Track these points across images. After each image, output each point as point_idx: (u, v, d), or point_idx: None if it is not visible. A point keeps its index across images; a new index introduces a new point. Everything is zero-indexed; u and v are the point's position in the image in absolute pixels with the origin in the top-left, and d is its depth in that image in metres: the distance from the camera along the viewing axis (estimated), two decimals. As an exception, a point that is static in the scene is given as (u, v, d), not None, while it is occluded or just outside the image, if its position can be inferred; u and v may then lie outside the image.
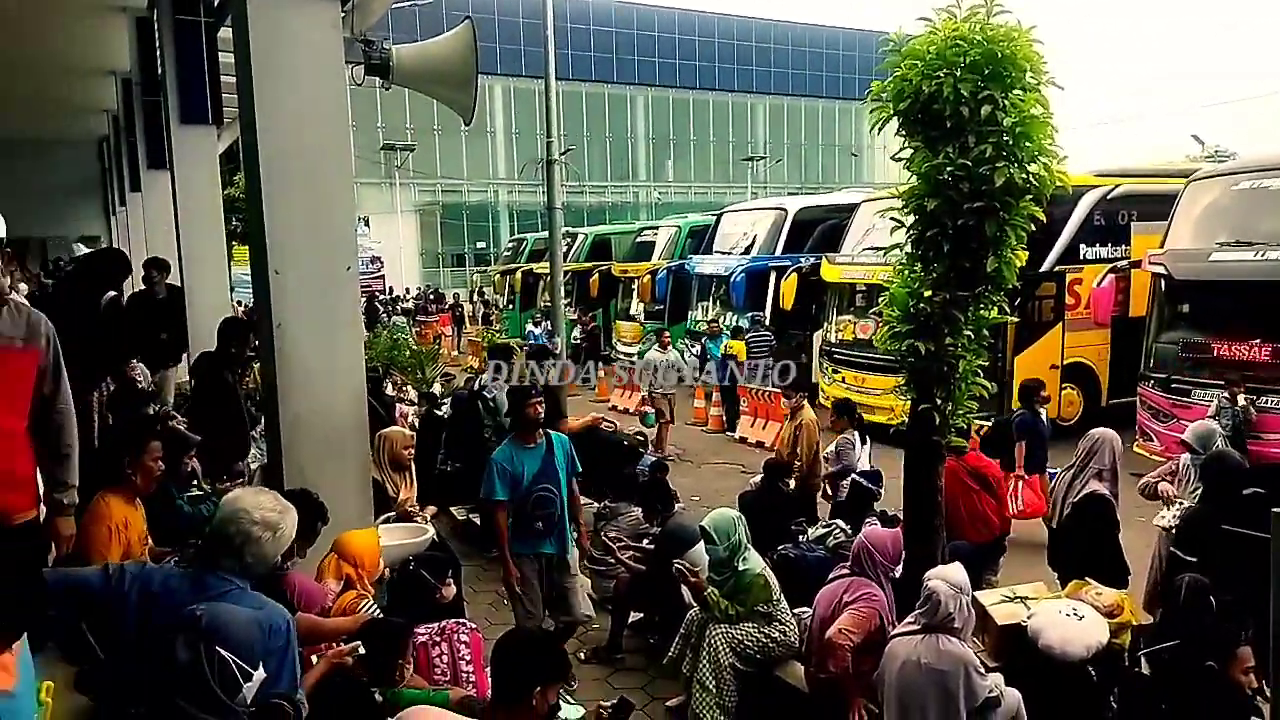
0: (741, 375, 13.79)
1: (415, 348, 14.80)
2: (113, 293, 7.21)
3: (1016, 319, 9.96)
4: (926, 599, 3.94)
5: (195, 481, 5.06)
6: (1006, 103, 4.22)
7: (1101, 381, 12.69)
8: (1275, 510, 2.49)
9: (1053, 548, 5.94)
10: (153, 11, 9.18)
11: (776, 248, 16.79)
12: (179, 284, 8.58)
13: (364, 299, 25.07)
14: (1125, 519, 5.76)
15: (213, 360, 6.26)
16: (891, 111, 4.48)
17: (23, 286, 8.77)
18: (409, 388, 12.40)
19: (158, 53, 9.17)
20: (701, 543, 5.26)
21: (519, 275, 26.42)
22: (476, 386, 8.06)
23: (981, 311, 4.62)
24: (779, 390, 12.83)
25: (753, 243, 17.38)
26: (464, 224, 51.65)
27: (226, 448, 5.98)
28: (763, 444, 12.39)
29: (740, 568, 5.02)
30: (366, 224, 38.47)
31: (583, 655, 5.81)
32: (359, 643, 3.34)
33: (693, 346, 17.50)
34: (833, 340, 14.08)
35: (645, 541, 6.29)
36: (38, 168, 17.84)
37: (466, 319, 30.30)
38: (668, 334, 13.86)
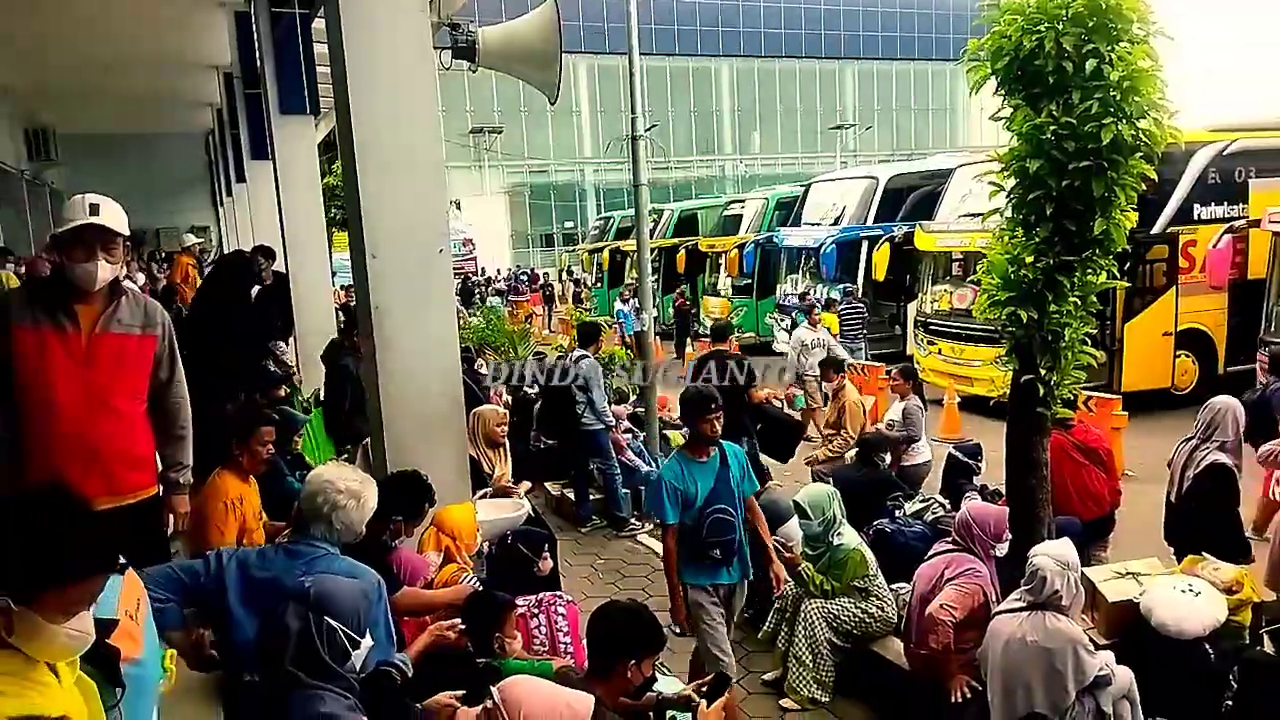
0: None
1: (508, 327, 15.06)
2: (258, 286, 7.64)
3: (1127, 284, 9.53)
4: (1032, 575, 3.83)
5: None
6: (1113, 56, 3.99)
7: (1218, 348, 12.02)
8: None
9: (1169, 522, 5.68)
10: (250, 5, 9.51)
11: (868, 217, 16.46)
12: (284, 270, 8.92)
13: (458, 280, 25.77)
14: (1247, 493, 5.46)
15: (336, 346, 6.58)
16: (989, 70, 4.30)
17: (140, 277, 9.28)
18: (502, 366, 12.65)
19: (256, 46, 9.51)
20: (795, 518, 5.23)
21: (606, 253, 26.56)
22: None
23: (1088, 277, 4.42)
24: (873, 365, 12.63)
25: (842, 213, 17.08)
26: (552, 204, 52.15)
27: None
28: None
29: (835, 542, 4.99)
30: (458, 206, 39.26)
31: (678, 629, 5.85)
32: (459, 620, 3.43)
33: (782, 321, 17.33)
34: (928, 311, 13.74)
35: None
36: (149, 162, 18.76)
37: (556, 298, 30.68)
38: (818, 311, 12.81)
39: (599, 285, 27.14)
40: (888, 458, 6.75)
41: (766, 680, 5.17)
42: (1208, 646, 4.08)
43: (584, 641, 3.61)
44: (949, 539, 4.67)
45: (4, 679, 1.71)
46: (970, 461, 6.77)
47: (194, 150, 20.27)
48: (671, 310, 20.92)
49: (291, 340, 8.88)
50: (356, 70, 4.44)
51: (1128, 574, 4.63)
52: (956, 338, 12.69)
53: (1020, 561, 4.04)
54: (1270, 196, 10.30)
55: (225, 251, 19.67)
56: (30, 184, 13.79)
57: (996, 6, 4.23)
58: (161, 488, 3.65)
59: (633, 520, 7.99)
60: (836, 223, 16.96)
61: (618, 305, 20.29)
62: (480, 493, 5.70)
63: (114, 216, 3.33)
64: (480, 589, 3.94)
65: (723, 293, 21.02)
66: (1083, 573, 4.09)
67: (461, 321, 11.70)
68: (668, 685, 3.48)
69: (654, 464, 8.77)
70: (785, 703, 4.93)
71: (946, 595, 4.30)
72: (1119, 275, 4.67)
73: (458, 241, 34.96)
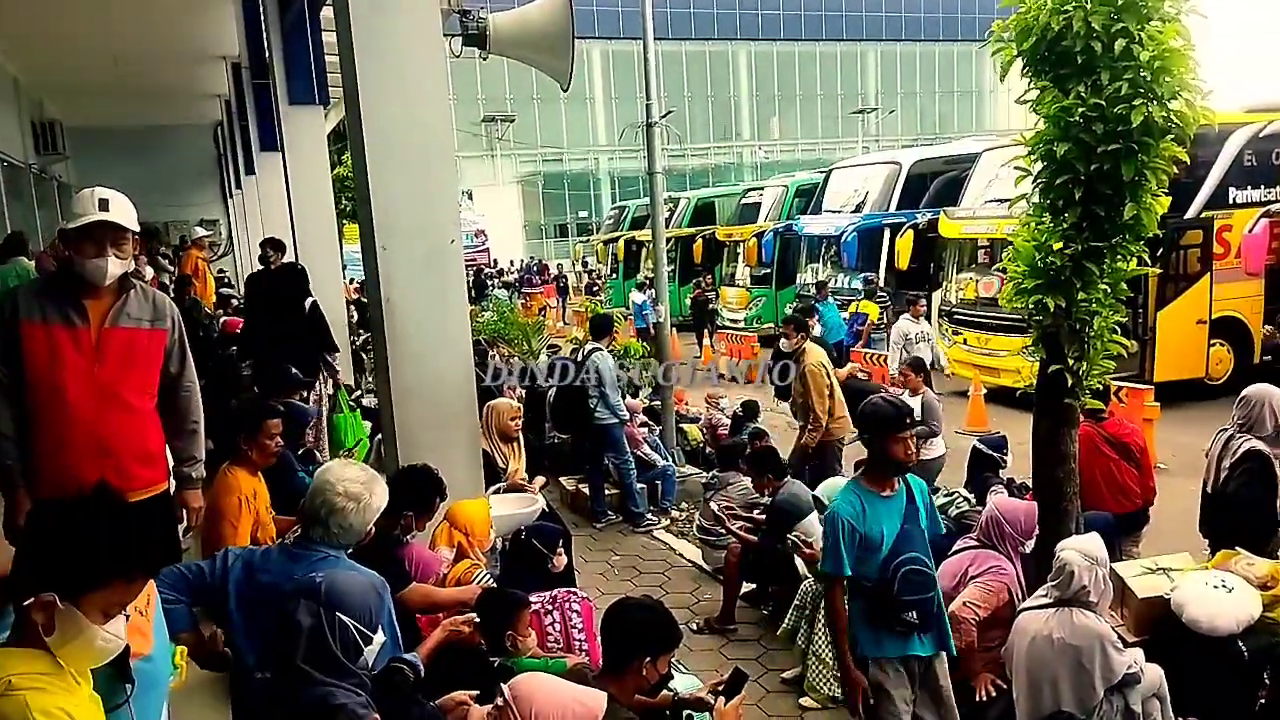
0: (865, 337, 13.56)
1: (520, 320, 15.08)
2: (311, 299, 7.70)
3: (1158, 271, 9.43)
4: (1059, 571, 3.81)
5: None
6: (1143, 35, 3.95)
7: (1254, 336, 11.89)
8: None
9: (1205, 513, 5.62)
10: (258, -6, 9.58)
11: (890, 204, 16.37)
12: (295, 261, 8.97)
13: (470, 272, 25.87)
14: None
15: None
16: (1016, 52, 4.27)
17: (148, 271, 9.36)
18: (515, 360, 12.68)
19: (264, 35, 9.56)
20: (815, 513, 5.22)
21: (621, 243, 26.57)
22: (580, 357, 8.16)
23: (1118, 263, 4.38)
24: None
25: (864, 200, 17.00)
26: (566, 193, 52.21)
27: None
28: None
29: (857, 538, 4.96)
30: (470, 197, 39.38)
31: (695, 626, 5.87)
32: (474, 615, 3.45)
33: (802, 311, 17.25)
34: (953, 300, 13.66)
35: (756, 511, 6.28)
36: (157, 155, 18.86)
37: (571, 289, 30.70)
38: (922, 303, 11.98)
39: (614, 276, 27.16)
40: (1010, 461, 6.70)
41: (786, 678, 5.17)
42: (1240, 644, 4.04)
43: (599, 639, 3.63)
44: (973, 534, 4.64)
45: (42, 677, 1.80)
46: (996, 454, 6.72)
47: (202, 142, 20.39)
48: (689, 301, 20.90)
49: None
50: (365, 59, 4.46)
51: (1158, 569, 4.59)
52: (982, 327, 12.62)
53: (1047, 557, 4.02)
54: (1309, 179, 10.20)
55: (232, 244, 19.86)
56: (38, 178, 13.93)
57: (1022, -15, 4.19)
58: (174, 483, 3.69)
59: (648, 515, 8.01)
60: (858, 210, 16.88)
61: (633, 296, 20.29)
62: (494, 488, 5.73)
63: (124, 211, 3.36)
64: (493, 586, 3.97)
65: (741, 283, 20.99)
66: (1111, 568, 4.06)
67: (474, 315, 11.75)
68: (684, 684, 3.49)
69: (670, 458, 8.79)
70: (805, 701, 4.92)
71: (970, 593, 4.27)
72: (1150, 261, 4.63)
73: (470, 233, 35.01)
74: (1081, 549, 3.81)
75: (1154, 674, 3.87)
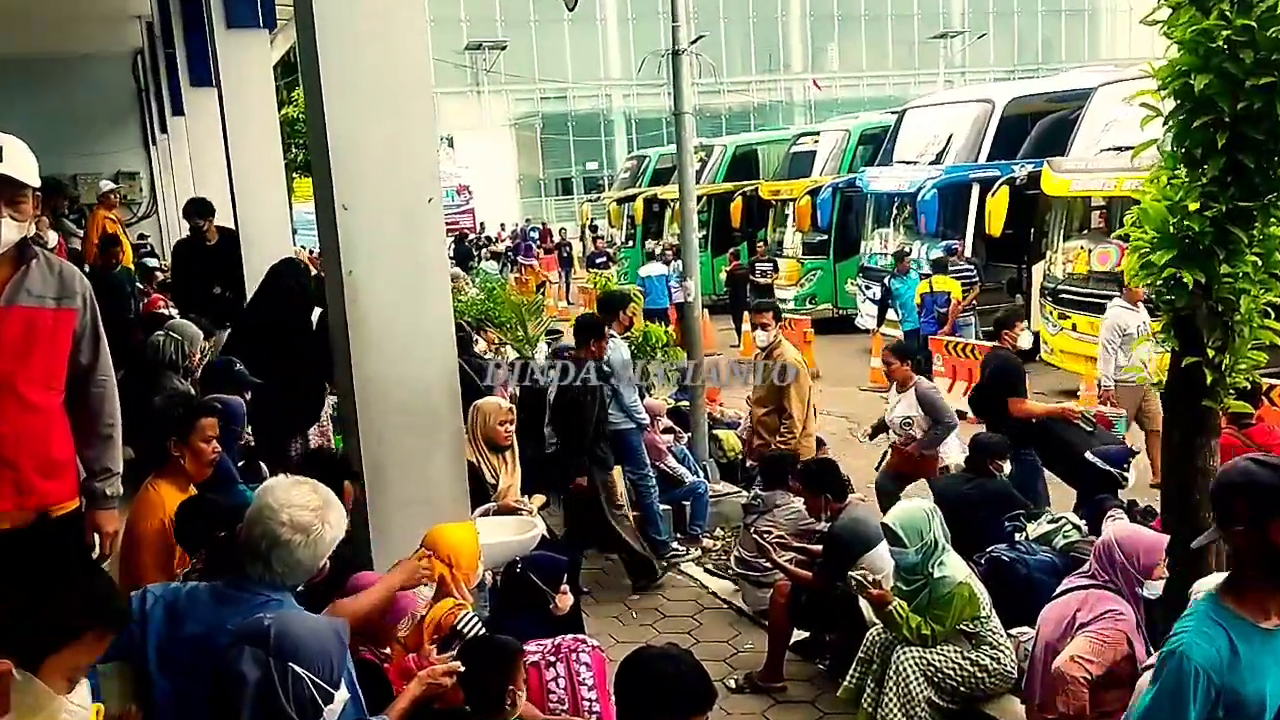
0: (951, 322, 13.51)
1: (515, 298, 15.13)
2: (320, 309, 7.62)
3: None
4: (1193, 617, 3.77)
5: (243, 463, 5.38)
6: (1308, -65, 3.92)
7: None
8: None
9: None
10: (188, -107, 9.62)
11: (980, 153, 16.27)
12: (233, 227, 9.03)
13: (451, 239, 25.97)
14: None
15: None
16: (1141, -41, 4.24)
17: (51, 236, 9.44)
18: (508, 348, 12.71)
19: (195, -58, 9.60)
20: (884, 543, 5.22)
21: (639, 202, 26.57)
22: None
23: (1271, 229, 4.35)
24: (986, 345, 12.52)
25: (947, 148, 16.90)
26: (570, 139, 52.25)
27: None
28: (964, 414, 12.10)
29: (936, 575, 4.97)
30: (450, 144, 39.50)
31: (733, 683, 5.88)
32: (458, 663, 3.47)
33: (868, 289, 17.23)
34: (1059, 275, 13.59)
35: (810, 540, 6.27)
36: (62, 91, 18.84)
37: (576, 260, 30.74)
38: (1141, 287, 10.46)
39: (629, 244, 27.18)
40: (1006, 465, 6.70)
41: (848, 750, 5.18)
42: None
43: (612, 699, 3.64)
44: (1084, 571, 4.63)
45: None
46: (1115, 470, 6.69)
47: (118, 76, 20.42)
48: (724, 276, 20.86)
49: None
50: (321, -30, 4.47)
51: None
52: (1097, 310, 12.52)
53: (1178, 600, 3.99)
54: None
55: (156, 202, 19.97)
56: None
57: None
58: (84, 501, 3.71)
59: (674, 544, 8.02)
60: (938, 160, 16.78)
61: (644, 269, 20.21)
62: (481, 508, 5.75)
63: (21, 162, 3.35)
64: (482, 631, 3.98)
65: (790, 252, 20.94)
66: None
67: (456, 292, 11.77)
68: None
69: (700, 473, 8.79)
70: (872, 779, 4.93)
71: (1079, 645, 4.27)
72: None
73: (450, 189, 35.18)
74: (1223, 590, 3.78)
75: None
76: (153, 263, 14.46)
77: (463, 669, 3.45)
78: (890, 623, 4.98)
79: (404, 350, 4.74)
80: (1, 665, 1.76)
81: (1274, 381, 8.64)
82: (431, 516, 4.41)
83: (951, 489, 6.60)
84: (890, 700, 4.92)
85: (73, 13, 15.68)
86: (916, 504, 5.32)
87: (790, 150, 23.13)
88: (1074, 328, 12.82)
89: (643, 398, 8.37)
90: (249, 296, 8.14)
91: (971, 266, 14.72)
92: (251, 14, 9.11)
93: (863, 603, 5.38)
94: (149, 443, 4.44)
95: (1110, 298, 12.07)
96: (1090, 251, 13.14)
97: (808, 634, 6.23)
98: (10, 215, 3.33)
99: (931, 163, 16.85)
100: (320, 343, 6.80)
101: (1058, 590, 4.66)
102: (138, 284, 11.49)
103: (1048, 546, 5.83)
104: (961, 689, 4.92)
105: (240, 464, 5.71)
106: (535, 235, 35.78)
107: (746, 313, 18.79)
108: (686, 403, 9.72)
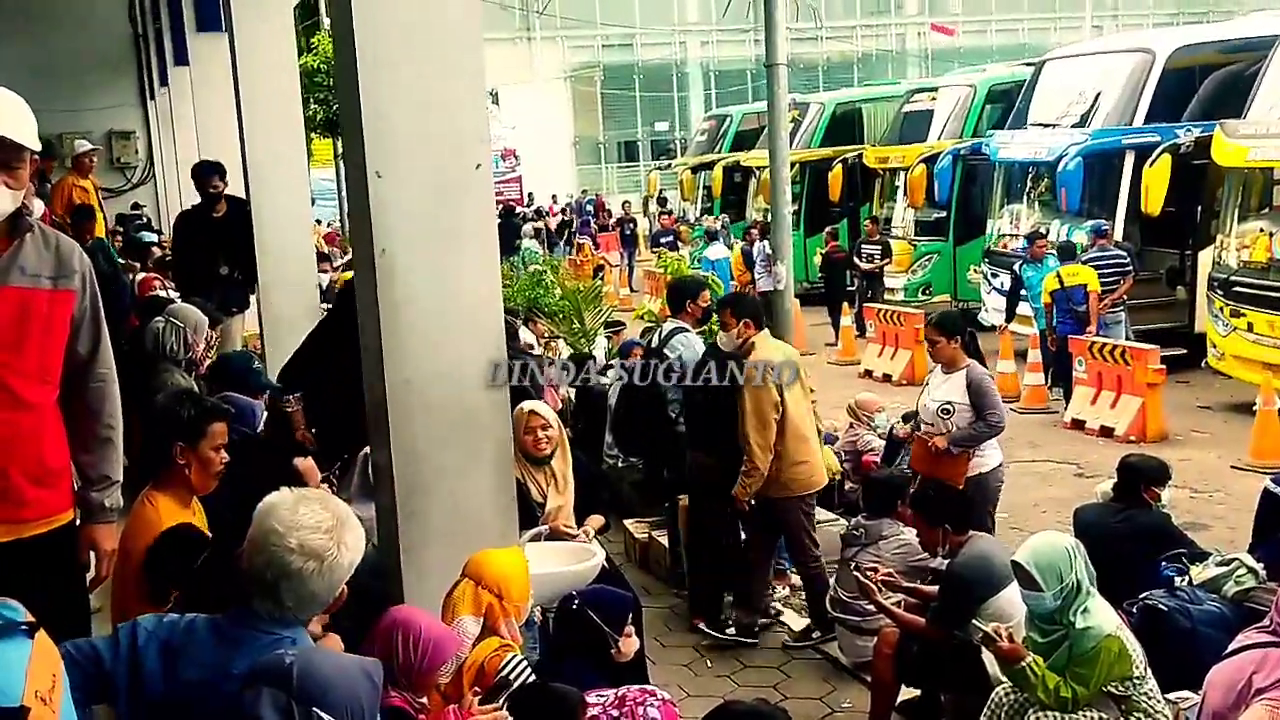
0: (1095, 319, 13.31)
1: (568, 285, 15.22)
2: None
3: None
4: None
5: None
6: None
7: None
8: None
9: None
10: None
11: (1135, 115, 16.05)
12: (244, 195, 9.16)
13: (499, 211, 26.09)
14: None
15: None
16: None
17: (37, 205, 9.67)
18: (560, 342, 12.79)
19: None
20: (1014, 585, 5.18)
21: (719, 170, 26.56)
22: (655, 341, 8.18)
23: None
24: (1138, 347, 12.36)
25: (1094, 107, 16.69)
26: (637, 95, 52.32)
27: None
28: (1110, 431, 12.01)
29: (1079, 625, 4.93)
30: (495, 100, 39.73)
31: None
32: (506, 713, 3.51)
33: (996, 277, 17.09)
34: (1231, 263, 13.42)
35: (924, 580, 6.25)
36: (46, 37, 19.17)
37: (641, 240, 30.81)
38: None
39: (706, 219, 27.17)
40: (1165, 494, 6.61)
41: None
42: None
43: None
44: (1263, 626, 4.56)
45: None
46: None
47: (112, 21, 20.71)
48: (818, 260, 20.77)
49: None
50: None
51: None
52: (1278, 306, 12.34)
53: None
54: None
55: (153, 166, 20.29)
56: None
57: None
58: (79, 514, 3.78)
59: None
60: (1083, 123, 16.58)
61: (712, 251, 20.00)
62: (530, 532, 5.77)
63: (17, 119, 3.39)
64: (532, 678, 4.02)
65: (900, 232, 20.83)
66: None
67: (504, 274, 11.84)
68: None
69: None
70: None
71: (1257, 715, 4.21)
72: None
73: (496, 153, 35.38)
74: None
75: None
76: (149, 237, 14.57)
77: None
78: (1022, 682, 4.95)
79: (444, 343, 4.75)
80: None
81: None
82: (481, 541, 4.44)
83: (1098, 521, 6.53)
84: (1019, 774, 4.91)
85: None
86: (1055, 539, 5.27)
87: (902, 110, 23.00)
88: (1250, 328, 12.64)
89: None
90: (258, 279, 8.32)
91: (1124, 252, 14.49)
92: (269, -53, 9.26)
93: (987, 656, 5.35)
94: (147, 447, 4.48)
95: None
96: (1271, 236, 12.95)
97: (918, 692, 6.21)
98: (4, 181, 3.33)
99: (1075, 125, 16.64)
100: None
101: (1229, 649, 4.60)
102: (117, 258, 11.49)
103: (1216, 594, 5.77)
104: (1107, 762, 4.89)
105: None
106: (592, 209, 35.87)
107: (846, 305, 18.82)
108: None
